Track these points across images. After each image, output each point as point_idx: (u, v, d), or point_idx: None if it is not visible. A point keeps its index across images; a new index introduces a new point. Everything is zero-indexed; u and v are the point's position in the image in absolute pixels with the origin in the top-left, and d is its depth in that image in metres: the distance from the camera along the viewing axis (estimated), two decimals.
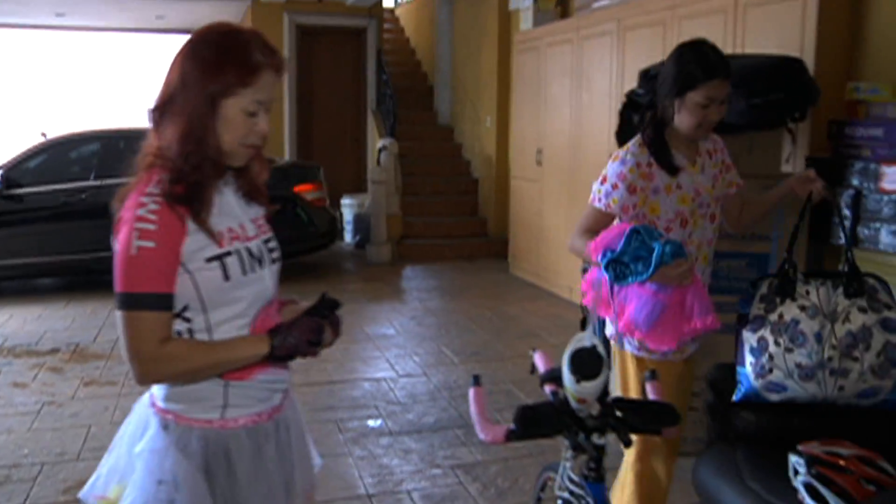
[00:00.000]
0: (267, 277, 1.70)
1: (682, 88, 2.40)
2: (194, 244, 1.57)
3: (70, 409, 4.56)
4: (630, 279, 2.29)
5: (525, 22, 7.98)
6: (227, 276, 1.60)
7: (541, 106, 7.68)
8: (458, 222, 9.91)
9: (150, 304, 1.53)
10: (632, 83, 4.98)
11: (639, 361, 2.58)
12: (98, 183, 7.36)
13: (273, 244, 1.76)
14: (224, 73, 1.55)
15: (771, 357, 2.39)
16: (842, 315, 2.33)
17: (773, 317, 2.41)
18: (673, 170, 2.48)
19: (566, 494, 1.92)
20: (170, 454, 1.62)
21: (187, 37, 1.65)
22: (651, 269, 2.23)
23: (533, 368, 2.12)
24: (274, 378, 1.73)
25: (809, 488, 2.09)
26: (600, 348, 1.77)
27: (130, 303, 1.53)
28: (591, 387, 1.73)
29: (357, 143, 11.50)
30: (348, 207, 10.03)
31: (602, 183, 2.54)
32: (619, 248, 2.30)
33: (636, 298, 2.34)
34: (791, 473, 2.16)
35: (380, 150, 9.40)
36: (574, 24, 7.02)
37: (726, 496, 2.30)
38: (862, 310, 2.33)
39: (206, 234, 1.58)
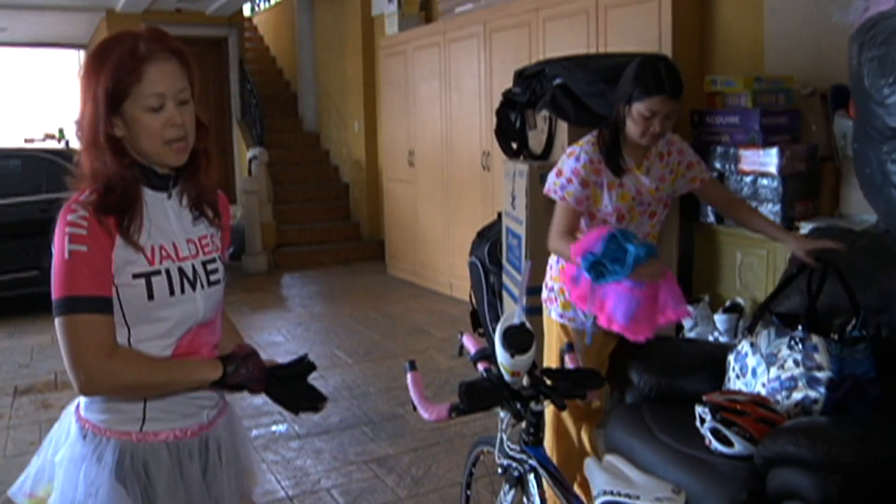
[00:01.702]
0: (198, 299, 1.64)
1: (629, 98, 2.61)
2: (122, 257, 1.54)
3: None
4: (609, 278, 2.50)
5: (390, 27, 8.12)
6: (150, 296, 1.56)
7: (410, 108, 7.84)
8: (332, 227, 9.94)
9: (89, 306, 1.49)
10: (501, 83, 5.24)
11: (561, 327, 2.85)
12: None
13: (214, 265, 1.70)
14: (108, 74, 1.50)
15: (729, 378, 2.72)
16: (779, 361, 2.53)
17: (739, 346, 2.71)
18: (618, 171, 2.71)
19: (506, 461, 2.09)
20: (85, 463, 1.59)
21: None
22: (628, 270, 2.45)
23: (461, 350, 2.27)
24: (200, 395, 1.68)
25: (715, 433, 2.35)
26: (529, 324, 1.94)
27: (69, 306, 1.48)
28: (523, 360, 1.90)
29: (224, 154, 11.31)
30: None
31: (558, 176, 2.74)
32: (598, 251, 2.50)
33: (614, 295, 2.56)
34: (698, 423, 2.42)
35: (250, 161, 9.32)
36: (440, 27, 7.23)
37: (640, 452, 2.53)
38: (795, 363, 2.47)
39: (133, 248, 1.55)
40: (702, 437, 2.41)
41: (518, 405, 1.92)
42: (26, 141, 10.82)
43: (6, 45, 11.84)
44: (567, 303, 2.84)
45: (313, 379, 1.82)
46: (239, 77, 11.01)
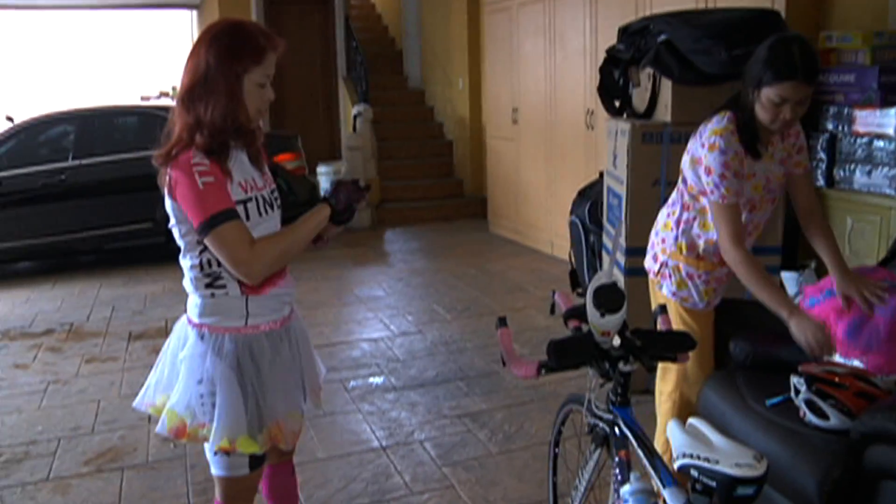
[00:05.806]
0: (275, 218, 2.12)
1: (760, 83, 2.40)
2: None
3: (76, 387, 4.61)
4: None
5: None
6: (247, 217, 2.01)
7: (514, 65, 7.78)
8: (435, 184, 10.03)
9: (228, 216, 1.93)
10: (606, 40, 5.12)
11: (674, 305, 2.73)
12: (76, 163, 7.35)
13: (276, 194, 2.18)
14: (243, 56, 1.97)
15: None
16: None
17: None
18: (757, 156, 2.53)
19: (593, 421, 2.10)
20: (207, 357, 2.05)
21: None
22: None
23: (553, 308, 2.28)
24: (283, 292, 2.16)
25: (810, 404, 2.28)
26: (620, 284, 1.92)
27: (215, 222, 1.91)
28: (614, 319, 1.88)
29: (329, 111, 11.51)
30: (324, 175, 10.06)
31: (708, 175, 2.51)
32: None
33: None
34: (792, 393, 2.35)
35: (355, 117, 9.45)
36: None
37: (731, 419, 2.48)
38: None
39: (233, 183, 2.00)
40: (796, 409, 2.33)
41: (607, 365, 1.92)
42: (142, 98, 11.32)
43: (123, 7, 12.36)
44: (682, 281, 2.71)
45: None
46: (345, 35, 11.13)
